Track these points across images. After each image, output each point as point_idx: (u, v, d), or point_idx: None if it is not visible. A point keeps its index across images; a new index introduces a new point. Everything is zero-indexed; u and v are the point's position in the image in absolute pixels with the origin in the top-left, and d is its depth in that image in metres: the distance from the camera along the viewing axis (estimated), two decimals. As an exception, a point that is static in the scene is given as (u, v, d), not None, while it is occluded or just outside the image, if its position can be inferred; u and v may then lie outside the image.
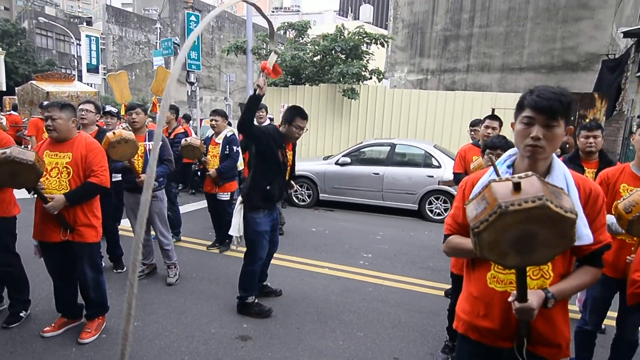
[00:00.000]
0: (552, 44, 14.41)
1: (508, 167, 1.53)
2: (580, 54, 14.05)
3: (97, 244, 3.00)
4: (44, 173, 2.75)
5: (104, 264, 4.29)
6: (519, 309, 1.32)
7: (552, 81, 13.91)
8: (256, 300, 3.54)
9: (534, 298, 1.32)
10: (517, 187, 1.12)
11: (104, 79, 28.96)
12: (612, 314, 2.68)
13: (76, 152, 2.85)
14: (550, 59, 14.50)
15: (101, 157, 2.93)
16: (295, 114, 3.42)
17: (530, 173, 1.17)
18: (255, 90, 3.00)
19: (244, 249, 3.50)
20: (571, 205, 1.14)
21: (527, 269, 1.34)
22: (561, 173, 1.44)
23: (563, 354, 1.50)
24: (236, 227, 3.42)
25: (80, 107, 4.14)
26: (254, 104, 3.03)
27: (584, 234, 1.35)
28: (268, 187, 3.31)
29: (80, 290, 3.04)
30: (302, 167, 8.05)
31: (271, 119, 6.83)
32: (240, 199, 3.44)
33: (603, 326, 3.39)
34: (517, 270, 1.28)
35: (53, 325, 3.09)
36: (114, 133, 3.59)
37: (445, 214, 7.16)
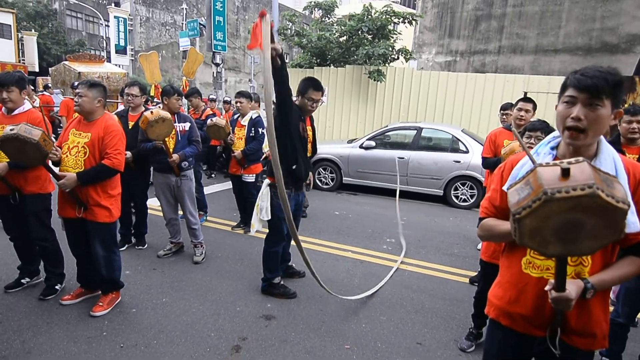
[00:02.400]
0: (591, 24, 13.68)
1: (552, 148, 1.46)
2: (620, 34, 13.29)
3: (109, 225, 3.03)
4: (65, 150, 2.86)
5: (133, 240, 4.45)
6: (556, 298, 1.27)
7: (588, 63, 13.18)
8: (282, 282, 3.58)
9: (572, 288, 1.27)
10: (565, 172, 1.06)
11: (132, 60, 29.46)
12: (647, 307, 2.58)
13: (95, 133, 2.91)
14: (588, 40, 13.79)
15: (117, 139, 2.96)
16: (309, 86, 3.27)
17: (581, 159, 1.10)
18: (279, 57, 2.69)
19: (267, 231, 3.51)
20: (623, 195, 1.06)
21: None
22: (610, 157, 1.36)
23: (599, 344, 1.45)
24: (265, 210, 3.29)
25: (126, 90, 4.25)
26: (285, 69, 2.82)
27: (631, 222, 1.26)
28: (294, 167, 3.24)
29: (94, 266, 3.12)
30: (326, 150, 8.01)
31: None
32: (267, 181, 3.35)
33: (636, 319, 3.28)
34: (558, 259, 1.22)
35: (72, 294, 3.24)
36: (151, 112, 3.68)
37: (471, 201, 7.02)
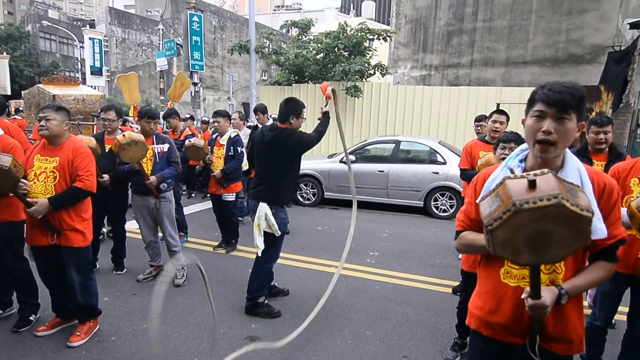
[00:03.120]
0: (557, 37, 14.28)
1: (520, 161, 1.51)
2: (585, 46, 13.90)
3: (84, 249, 2.97)
4: (32, 177, 2.79)
5: (98, 267, 4.34)
6: (533, 305, 1.30)
7: (557, 74, 13.79)
8: (266, 301, 3.54)
9: (547, 295, 1.31)
10: (532, 184, 1.11)
11: (108, 81, 29.14)
12: (624, 309, 2.66)
13: (63, 157, 2.85)
14: (555, 52, 14.37)
15: (88, 161, 2.92)
16: (302, 106, 3.53)
17: (546, 170, 1.15)
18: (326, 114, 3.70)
19: (251, 249, 3.49)
20: (587, 204, 1.12)
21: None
22: (574, 167, 1.42)
23: (576, 349, 1.48)
24: (273, 226, 3.33)
25: (103, 115, 4.20)
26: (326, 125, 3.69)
27: (598, 228, 1.32)
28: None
29: (70, 294, 3.02)
30: (307, 165, 8.04)
31: (274, 119, 6.85)
32: (264, 204, 3.34)
33: (613, 321, 3.36)
34: (531, 267, 1.26)
35: (47, 324, 3.12)
36: (123, 135, 3.62)
37: (451, 211, 7.13)
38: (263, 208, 3.33)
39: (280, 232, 3.39)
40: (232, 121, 6.14)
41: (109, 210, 4.27)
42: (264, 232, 3.34)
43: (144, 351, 2.90)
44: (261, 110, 6.59)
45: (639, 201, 2.07)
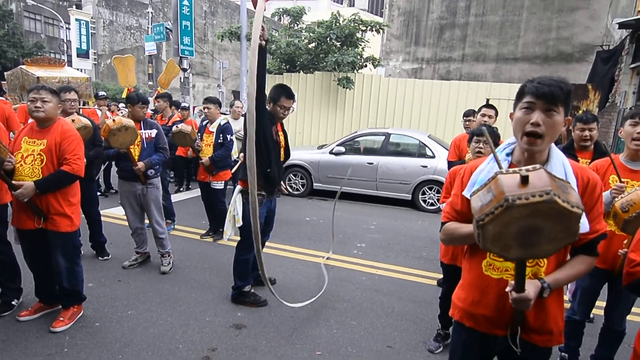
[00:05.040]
0: (547, 34, 14.40)
1: (507, 155, 1.52)
2: (574, 44, 14.06)
3: (71, 234, 2.93)
4: (19, 159, 2.74)
5: (82, 252, 4.28)
6: (517, 298, 1.33)
7: (546, 72, 13.93)
8: (252, 290, 3.55)
9: (530, 288, 1.33)
10: (524, 180, 1.11)
11: (95, 64, 28.52)
12: (601, 303, 2.73)
13: (51, 139, 2.80)
14: (545, 49, 14.50)
15: (76, 144, 2.87)
16: (282, 93, 3.30)
17: (538, 166, 1.16)
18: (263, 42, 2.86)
19: (237, 238, 3.48)
20: (577, 200, 1.13)
21: None
22: (559, 161, 1.44)
23: (556, 340, 1.52)
24: (238, 216, 3.30)
25: (63, 96, 4.01)
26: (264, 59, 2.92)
27: (582, 223, 1.35)
28: (269, 170, 3.24)
29: (55, 279, 3.00)
30: (297, 156, 8.02)
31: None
32: (238, 187, 3.37)
33: (592, 315, 3.45)
34: (518, 262, 1.28)
35: (30, 309, 3.09)
36: (114, 120, 3.58)
37: (439, 204, 7.19)
38: (236, 194, 3.33)
39: (241, 223, 3.30)
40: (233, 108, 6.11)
41: (81, 196, 4.21)
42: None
43: (129, 337, 2.89)
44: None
45: (623, 201, 2.11)
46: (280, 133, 3.48)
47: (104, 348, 2.76)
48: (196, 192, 7.13)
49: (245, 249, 3.41)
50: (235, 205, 3.33)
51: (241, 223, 3.30)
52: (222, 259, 4.44)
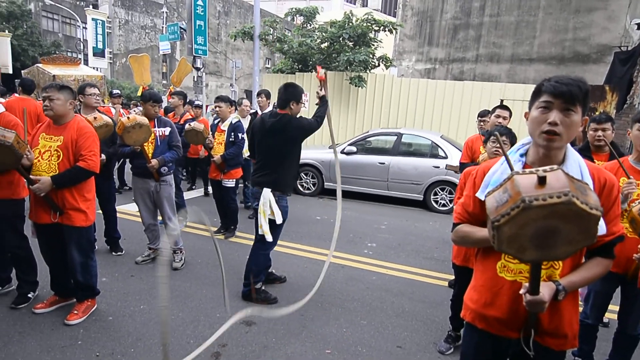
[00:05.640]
0: (564, 35, 14.16)
1: (521, 155, 1.50)
2: (592, 45, 13.80)
3: (86, 229, 2.98)
4: (37, 155, 2.79)
5: (97, 247, 4.35)
6: (531, 301, 1.30)
7: (562, 72, 13.58)
8: (263, 287, 3.56)
9: (545, 291, 1.31)
10: (542, 180, 1.09)
11: (110, 63, 28.92)
12: (615, 307, 2.68)
13: (67, 136, 2.85)
14: (561, 50, 14.26)
15: (91, 141, 2.92)
16: (301, 92, 3.53)
17: (555, 167, 1.14)
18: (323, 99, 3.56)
19: (249, 235, 3.50)
20: (596, 202, 1.11)
21: None
22: (575, 162, 1.41)
23: (570, 344, 1.49)
24: (277, 213, 3.37)
25: (92, 90, 4.11)
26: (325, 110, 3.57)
27: (599, 225, 1.33)
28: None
29: (70, 273, 3.05)
30: (308, 155, 8.03)
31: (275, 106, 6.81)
32: (267, 190, 3.36)
33: (607, 320, 3.39)
34: (533, 264, 1.25)
35: (45, 302, 3.15)
36: (128, 118, 3.63)
37: (450, 205, 7.14)
38: (267, 194, 3.34)
39: (281, 220, 3.40)
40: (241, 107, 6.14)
41: (98, 192, 4.27)
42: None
43: (141, 331, 2.93)
44: (265, 94, 6.52)
45: None
46: None
47: (117, 341, 2.80)
48: (200, 191, 7.22)
49: (270, 244, 3.46)
50: (270, 206, 3.36)
51: (281, 220, 3.40)
52: (232, 256, 4.47)
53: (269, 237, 3.38)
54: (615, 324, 2.72)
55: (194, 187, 7.98)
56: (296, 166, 3.57)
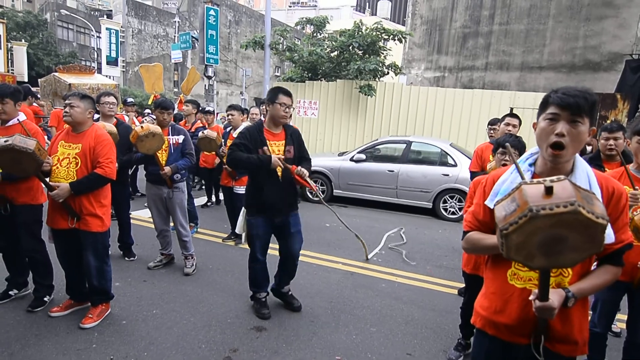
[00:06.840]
0: (574, 43, 14.11)
1: (530, 165, 1.52)
2: (602, 53, 13.72)
3: (102, 234, 3.04)
4: (55, 162, 2.88)
5: (110, 252, 4.42)
6: (540, 307, 1.33)
7: (572, 81, 13.64)
8: (264, 299, 3.47)
9: (554, 297, 1.33)
10: (549, 190, 1.12)
11: (123, 71, 29.43)
12: (624, 316, 2.66)
13: (85, 144, 2.94)
14: (572, 58, 14.20)
15: (109, 149, 3.00)
16: (278, 92, 3.21)
17: (562, 177, 1.17)
18: (270, 163, 3.12)
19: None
20: (602, 211, 1.13)
21: None
22: (584, 172, 1.44)
23: (580, 351, 1.50)
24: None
25: (106, 99, 4.27)
26: (255, 165, 3.14)
27: (606, 233, 1.35)
28: (261, 194, 3.21)
29: (85, 277, 3.11)
30: (317, 162, 8.07)
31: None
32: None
33: (618, 329, 3.36)
34: (542, 271, 1.28)
35: (60, 306, 3.22)
36: (142, 127, 3.72)
37: (460, 213, 7.12)
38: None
39: (242, 231, 3.58)
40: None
41: (113, 198, 4.36)
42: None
43: (154, 335, 2.98)
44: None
45: None
46: (276, 143, 3.28)
47: (130, 345, 2.85)
48: (219, 196, 7.27)
49: (250, 259, 3.42)
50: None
51: (241, 232, 3.67)
52: (243, 262, 4.49)
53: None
54: (625, 333, 2.71)
55: (209, 203, 7.23)
56: (251, 189, 3.35)
